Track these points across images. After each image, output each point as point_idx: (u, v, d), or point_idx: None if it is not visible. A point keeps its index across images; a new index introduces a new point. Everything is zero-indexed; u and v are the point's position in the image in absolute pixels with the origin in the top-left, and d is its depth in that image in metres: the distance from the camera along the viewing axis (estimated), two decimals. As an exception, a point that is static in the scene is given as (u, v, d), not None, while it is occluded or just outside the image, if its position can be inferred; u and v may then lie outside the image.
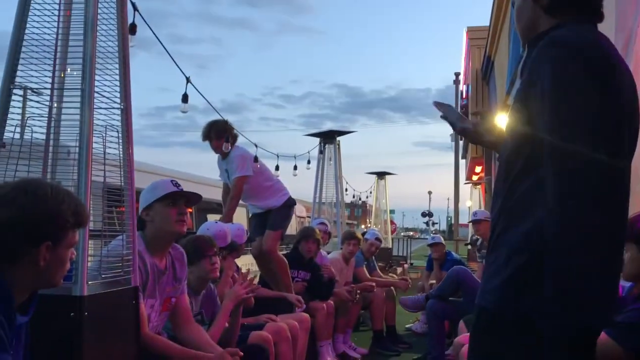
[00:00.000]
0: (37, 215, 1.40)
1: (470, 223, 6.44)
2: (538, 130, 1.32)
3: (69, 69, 2.16)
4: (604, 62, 1.31)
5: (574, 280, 1.22)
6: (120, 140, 2.24)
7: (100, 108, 2.15)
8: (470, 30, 17.41)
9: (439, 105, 1.75)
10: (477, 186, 21.59)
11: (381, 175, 13.03)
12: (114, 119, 2.22)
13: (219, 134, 4.62)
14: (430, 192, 58.10)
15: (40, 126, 2.14)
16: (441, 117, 1.71)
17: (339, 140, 7.58)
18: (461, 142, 21.55)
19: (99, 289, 2.07)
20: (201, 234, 3.59)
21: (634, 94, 1.39)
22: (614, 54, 1.38)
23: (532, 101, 1.35)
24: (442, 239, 7.40)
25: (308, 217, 12.73)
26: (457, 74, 21.41)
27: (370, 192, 13.67)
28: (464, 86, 19.59)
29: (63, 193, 1.49)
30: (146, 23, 2.60)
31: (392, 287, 6.56)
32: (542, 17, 1.49)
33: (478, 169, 19.90)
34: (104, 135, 2.17)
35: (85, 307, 1.96)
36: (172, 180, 2.70)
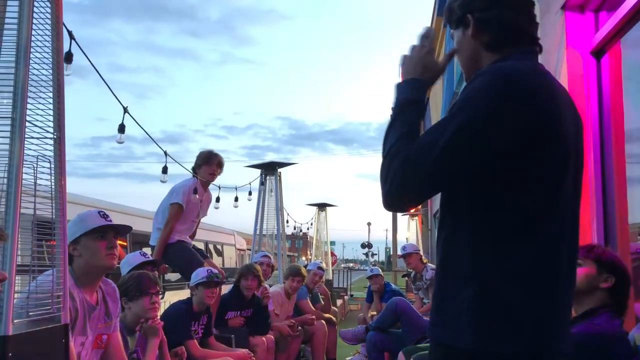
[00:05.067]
0: None
1: (402, 257, 6.52)
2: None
3: (-2, 97, 2.07)
4: (530, 91, 1.30)
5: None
6: (53, 171, 2.15)
7: (32, 138, 2.06)
8: (407, 67, 18.01)
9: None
10: (414, 218, 22.04)
11: (322, 206, 13.10)
12: (47, 149, 2.13)
13: None
14: (369, 224, 58.56)
15: (-34, 156, 2.03)
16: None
17: (280, 172, 7.58)
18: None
19: (25, 327, 1.95)
20: (124, 266, 3.54)
21: (571, 124, 1.39)
22: (551, 88, 1.38)
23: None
24: (380, 270, 7.47)
25: (248, 249, 12.57)
26: (394, 109, 21.99)
27: (311, 224, 13.71)
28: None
29: None
30: (82, 51, 2.55)
31: (333, 319, 6.54)
32: (483, 53, 1.49)
33: (415, 201, 20.34)
34: (35, 165, 2.07)
35: (10, 347, 1.84)
36: (99, 212, 2.59)
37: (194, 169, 4.99)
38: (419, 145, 1.33)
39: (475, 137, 1.27)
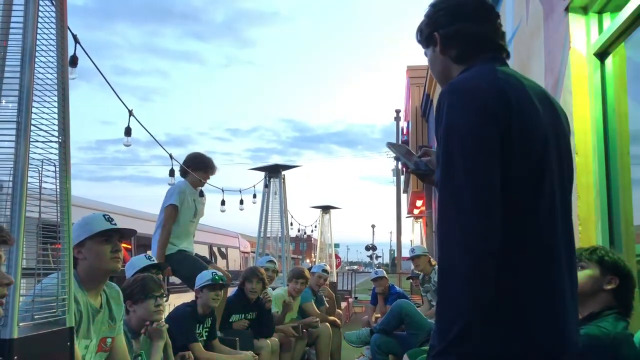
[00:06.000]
0: None
1: (410, 259, 6.55)
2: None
3: (3, 101, 2.08)
4: (498, 101, 1.32)
5: None
6: (58, 175, 2.16)
7: (37, 141, 2.08)
8: (410, 69, 17.97)
9: (392, 146, 1.77)
10: (419, 220, 22.00)
11: (326, 209, 13.08)
12: (52, 153, 2.15)
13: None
14: (373, 226, 58.84)
15: (-28, 160, 2.04)
16: (394, 158, 1.73)
17: (284, 174, 7.58)
18: (402, 177, 22.03)
19: (30, 330, 1.96)
20: (129, 269, 3.56)
21: (547, 122, 1.41)
22: (513, 86, 1.39)
23: (438, 147, 1.38)
24: (385, 273, 7.46)
25: (252, 252, 12.56)
26: (397, 111, 21.98)
27: (315, 226, 13.68)
28: (405, 123, 20.15)
29: None
30: (87, 55, 2.56)
31: (337, 322, 6.54)
32: (452, 66, 1.55)
33: (419, 202, 20.37)
34: (40, 169, 2.08)
35: (15, 350, 1.85)
36: (104, 215, 2.60)
37: (183, 170, 4.96)
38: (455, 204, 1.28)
39: (482, 148, 1.29)
